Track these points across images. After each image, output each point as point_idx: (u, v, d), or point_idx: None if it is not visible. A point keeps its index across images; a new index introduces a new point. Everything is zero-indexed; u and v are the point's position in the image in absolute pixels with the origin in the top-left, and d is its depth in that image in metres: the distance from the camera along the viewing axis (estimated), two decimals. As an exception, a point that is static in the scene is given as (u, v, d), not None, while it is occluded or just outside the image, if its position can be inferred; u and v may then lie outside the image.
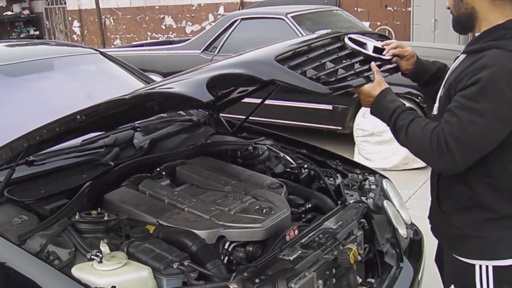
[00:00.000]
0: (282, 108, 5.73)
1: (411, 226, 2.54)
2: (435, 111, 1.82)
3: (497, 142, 1.59)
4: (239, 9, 9.96)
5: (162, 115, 2.83)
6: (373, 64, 1.91)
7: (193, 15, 11.58)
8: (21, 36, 14.39)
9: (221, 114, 3.01)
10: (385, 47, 2.04)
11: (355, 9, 9.27)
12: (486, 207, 1.69)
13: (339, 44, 2.04)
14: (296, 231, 1.95)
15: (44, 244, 1.74)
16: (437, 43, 7.01)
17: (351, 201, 2.27)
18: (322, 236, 1.93)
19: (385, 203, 2.44)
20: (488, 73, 1.53)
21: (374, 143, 5.18)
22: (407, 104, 1.84)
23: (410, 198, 4.41)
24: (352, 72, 1.93)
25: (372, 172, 2.66)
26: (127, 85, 2.84)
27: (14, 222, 1.84)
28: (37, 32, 14.90)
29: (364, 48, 2.02)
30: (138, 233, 1.78)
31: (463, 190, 1.72)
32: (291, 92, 5.06)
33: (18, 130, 1.92)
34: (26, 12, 14.88)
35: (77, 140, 2.30)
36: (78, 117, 1.76)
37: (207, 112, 3.01)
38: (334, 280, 1.88)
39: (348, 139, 5.53)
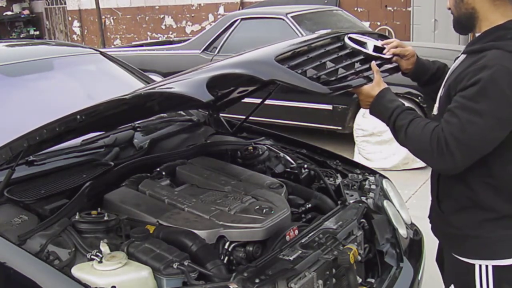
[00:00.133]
0: (282, 108, 5.73)
1: (411, 226, 2.54)
2: (435, 111, 1.82)
3: (497, 142, 1.59)
4: (239, 9, 9.96)
5: (162, 115, 2.83)
6: (373, 63, 1.91)
7: (193, 15, 11.57)
8: (21, 36, 14.39)
9: (221, 114, 3.01)
10: (385, 46, 2.04)
11: (355, 9, 9.27)
12: (486, 207, 1.69)
13: (339, 44, 2.04)
14: (296, 231, 1.95)
15: (44, 244, 1.74)
16: (437, 43, 7.01)
17: (351, 201, 2.27)
18: (322, 236, 1.93)
19: (385, 203, 2.44)
20: (488, 73, 1.53)
21: (374, 143, 5.18)
22: (407, 104, 1.84)
23: (410, 198, 4.41)
24: (352, 71, 1.93)
25: (372, 172, 2.66)
26: (127, 85, 2.84)
27: (14, 222, 1.84)
28: (37, 32, 14.90)
29: (364, 48, 2.02)
30: (138, 233, 1.78)
31: (463, 190, 1.72)
32: (291, 92, 5.05)
33: (18, 130, 1.92)
34: (26, 12, 14.88)
35: (77, 140, 2.30)
36: (78, 117, 1.76)
37: (207, 112, 3.01)
38: (334, 280, 1.88)
39: (348, 139, 5.53)
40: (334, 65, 1.92)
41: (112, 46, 11.92)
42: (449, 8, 1.75)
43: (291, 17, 5.87)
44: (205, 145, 2.67)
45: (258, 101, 2.88)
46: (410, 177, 4.86)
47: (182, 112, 3.00)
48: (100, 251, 1.67)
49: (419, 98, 4.99)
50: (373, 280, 2.16)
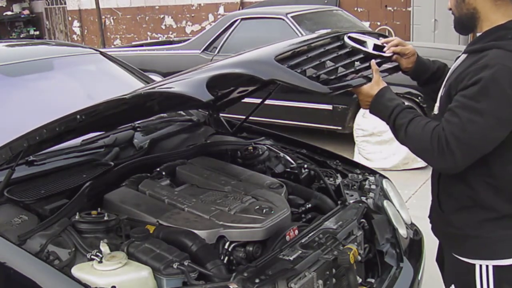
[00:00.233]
0: (282, 108, 5.73)
1: (411, 226, 2.54)
2: (435, 110, 1.82)
3: (497, 142, 1.59)
4: (239, 9, 9.96)
5: (162, 115, 2.83)
6: (373, 62, 1.90)
7: (193, 15, 11.58)
8: (21, 36, 14.39)
9: (221, 114, 3.01)
10: (385, 44, 2.03)
11: (355, 9, 9.27)
12: (487, 206, 1.69)
13: (338, 43, 2.03)
14: (296, 231, 1.94)
15: (44, 244, 1.74)
16: (437, 43, 7.01)
17: (351, 201, 2.27)
18: (322, 236, 1.93)
19: (385, 203, 2.44)
20: (489, 73, 1.53)
21: (374, 143, 5.18)
22: (407, 103, 1.84)
23: (410, 198, 4.41)
24: (352, 70, 1.93)
25: (372, 172, 2.66)
26: (127, 85, 2.84)
27: (14, 222, 1.84)
28: (37, 32, 14.90)
29: (364, 46, 2.02)
30: (138, 233, 1.78)
31: (463, 189, 1.72)
32: (291, 92, 5.06)
33: (18, 130, 1.92)
34: (26, 12, 14.88)
35: (77, 140, 2.30)
36: (78, 117, 1.76)
37: (207, 112, 3.01)
38: (334, 280, 1.88)
39: (348, 139, 5.53)
40: (333, 64, 1.92)
41: (112, 46, 11.92)
42: (450, 9, 1.75)
43: (291, 17, 5.87)
44: (205, 145, 2.67)
45: (258, 101, 2.88)
46: (410, 177, 4.86)
47: (182, 112, 2.99)
48: (100, 251, 1.67)
49: (419, 98, 4.99)
50: (373, 280, 2.16)
